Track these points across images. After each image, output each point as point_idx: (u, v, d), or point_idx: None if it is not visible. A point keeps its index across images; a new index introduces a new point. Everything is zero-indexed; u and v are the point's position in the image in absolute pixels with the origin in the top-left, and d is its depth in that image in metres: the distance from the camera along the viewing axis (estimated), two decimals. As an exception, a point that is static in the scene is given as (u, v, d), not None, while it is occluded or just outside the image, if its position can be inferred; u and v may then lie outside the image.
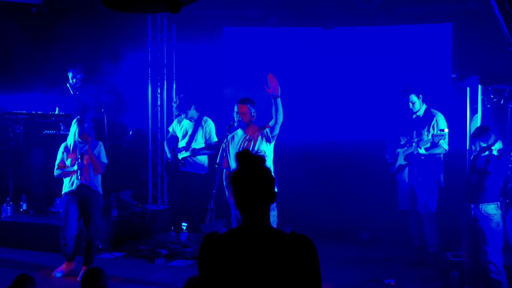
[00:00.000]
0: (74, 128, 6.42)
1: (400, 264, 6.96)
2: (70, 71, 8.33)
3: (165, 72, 9.26)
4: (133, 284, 6.35)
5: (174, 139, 8.01)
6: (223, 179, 6.28)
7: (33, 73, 8.95)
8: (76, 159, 6.38)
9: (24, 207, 8.14)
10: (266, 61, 8.32)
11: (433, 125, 6.75)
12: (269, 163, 6.04)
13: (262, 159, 2.59)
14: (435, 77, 8.06)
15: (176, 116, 8.01)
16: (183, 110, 7.74)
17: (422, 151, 6.71)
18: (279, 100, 5.84)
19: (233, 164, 6.18)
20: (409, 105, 6.86)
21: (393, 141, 7.12)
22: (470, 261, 5.63)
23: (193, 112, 7.78)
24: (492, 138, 5.47)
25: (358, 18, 8.26)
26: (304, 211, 8.02)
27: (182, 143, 7.85)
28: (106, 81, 8.59)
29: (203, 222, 6.26)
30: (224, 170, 6.27)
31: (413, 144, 6.77)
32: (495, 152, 5.45)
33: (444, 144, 6.69)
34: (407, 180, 6.96)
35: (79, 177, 6.38)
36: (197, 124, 7.81)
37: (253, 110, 6.19)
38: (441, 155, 6.86)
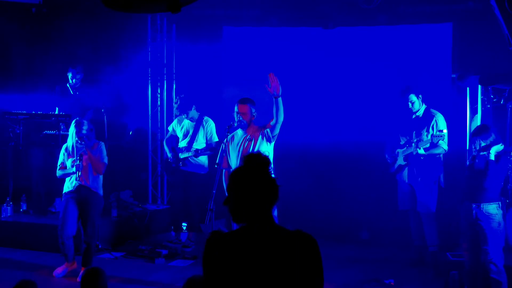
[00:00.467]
0: (72, 130, 6.42)
1: (400, 264, 6.96)
2: (70, 71, 8.33)
3: (165, 72, 9.26)
4: (133, 284, 6.35)
5: (174, 138, 8.01)
6: (223, 179, 6.29)
7: (33, 73, 8.96)
8: (76, 159, 6.38)
9: (24, 207, 8.14)
10: (266, 61, 8.32)
11: (433, 125, 6.75)
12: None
13: (268, 160, 2.60)
14: (435, 77, 8.06)
15: (177, 116, 8.01)
16: (184, 110, 7.75)
17: (421, 151, 6.70)
18: (280, 99, 5.85)
19: (233, 164, 6.18)
20: (408, 105, 6.86)
21: (392, 141, 7.12)
22: (471, 261, 5.63)
23: (194, 112, 7.79)
24: (492, 136, 5.47)
25: (358, 18, 8.26)
26: (304, 211, 8.02)
27: (183, 143, 7.85)
28: (106, 81, 8.58)
29: (203, 222, 6.26)
30: (224, 170, 6.27)
31: (413, 144, 6.77)
32: (492, 157, 5.42)
33: (443, 145, 6.69)
34: (406, 180, 6.96)
35: (78, 178, 6.39)
36: (198, 124, 7.81)
37: (253, 110, 6.19)
38: (441, 155, 6.86)
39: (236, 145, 6.19)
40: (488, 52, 7.12)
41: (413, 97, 6.82)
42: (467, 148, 6.91)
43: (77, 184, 6.42)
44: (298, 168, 8.06)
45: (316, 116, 8.38)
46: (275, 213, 6.02)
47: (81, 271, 6.24)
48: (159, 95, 9.27)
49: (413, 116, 6.89)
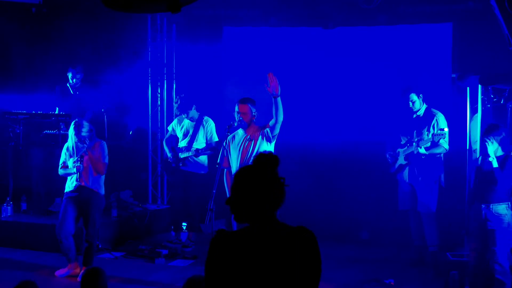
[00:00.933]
0: (71, 132, 6.42)
1: (400, 264, 6.96)
2: (70, 71, 8.32)
3: (165, 72, 9.26)
4: (133, 284, 6.34)
5: (174, 138, 8.01)
6: (224, 178, 6.29)
7: (33, 73, 8.96)
8: (76, 161, 6.38)
9: (24, 207, 8.14)
10: (266, 61, 8.31)
11: (433, 124, 6.75)
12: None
13: (278, 160, 2.60)
14: (435, 77, 8.05)
15: (177, 116, 8.01)
16: (184, 110, 7.75)
17: (422, 150, 6.71)
18: (279, 99, 5.86)
19: (234, 164, 6.19)
20: (409, 104, 6.86)
21: (393, 140, 7.12)
22: (476, 261, 5.63)
23: (194, 112, 7.79)
24: (503, 135, 5.46)
25: (358, 18, 8.26)
26: (304, 211, 8.00)
27: (183, 143, 7.85)
28: (106, 81, 8.58)
29: (203, 222, 6.26)
30: (225, 170, 6.27)
31: (414, 143, 6.77)
32: (494, 163, 5.41)
33: (444, 144, 6.70)
34: (407, 180, 6.96)
35: (78, 179, 6.40)
36: (198, 124, 7.81)
37: (253, 110, 6.19)
38: (442, 155, 6.86)
39: (236, 145, 6.20)
40: (488, 52, 7.12)
41: (414, 97, 6.83)
42: (467, 148, 6.90)
43: (77, 184, 6.43)
44: (298, 168, 8.04)
45: (316, 116, 8.37)
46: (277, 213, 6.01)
47: (82, 271, 6.24)
48: (159, 95, 9.27)
49: (414, 116, 6.90)
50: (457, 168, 7.21)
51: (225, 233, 2.57)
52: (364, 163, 7.96)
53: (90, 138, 6.42)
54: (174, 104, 8.09)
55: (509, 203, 5.49)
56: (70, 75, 8.33)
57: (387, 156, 7.18)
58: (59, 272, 6.53)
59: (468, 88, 6.93)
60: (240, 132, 6.27)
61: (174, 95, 9.12)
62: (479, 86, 6.53)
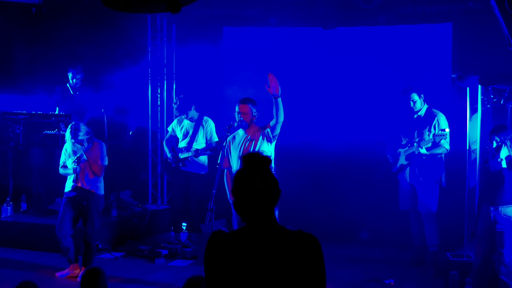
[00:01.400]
0: (68, 135, 6.42)
1: (400, 264, 6.96)
2: (70, 72, 8.32)
3: (165, 72, 9.26)
4: (133, 284, 6.35)
5: (174, 139, 8.00)
6: (224, 179, 6.28)
7: (33, 73, 8.95)
8: (73, 162, 6.39)
9: (24, 207, 8.15)
10: (266, 61, 8.31)
11: (435, 125, 6.76)
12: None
13: (269, 160, 2.60)
14: (435, 77, 8.05)
15: (176, 117, 8.01)
16: (183, 111, 7.75)
17: (423, 151, 6.71)
18: (279, 99, 5.86)
19: (234, 164, 6.19)
20: (410, 104, 6.86)
21: (394, 141, 7.12)
22: (481, 262, 5.62)
23: (193, 112, 7.78)
24: (510, 136, 5.45)
25: (358, 18, 8.25)
26: (305, 211, 8.01)
27: (183, 144, 7.84)
28: (106, 81, 8.58)
29: (203, 222, 6.26)
30: (226, 170, 6.27)
31: (415, 144, 6.77)
32: (504, 164, 5.40)
33: (445, 144, 6.70)
34: (408, 180, 6.96)
35: (75, 179, 6.42)
36: (198, 124, 7.81)
37: (254, 110, 6.19)
38: (443, 155, 6.87)
39: (237, 145, 6.20)
40: (488, 52, 7.11)
41: (415, 96, 6.83)
42: (467, 148, 6.90)
43: (74, 185, 6.45)
44: (298, 168, 8.06)
45: (316, 116, 8.37)
46: (276, 213, 6.00)
47: (81, 271, 6.24)
48: (159, 95, 9.27)
49: (415, 116, 6.90)
50: (457, 168, 7.21)
51: (220, 234, 2.58)
52: (364, 163, 7.96)
53: (88, 140, 6.42)
54: (173, 104, 8.08)
55: None
56: (70, 75, 8.33)
57: (388, 156, 7.18)
58: (60, 273, 6.53)
59: (468, 88, 6.93)
60: (240, 132, 6.27)
61: (174, 95, 9.12)
62: (479, 86, 6.53)
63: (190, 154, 7.74)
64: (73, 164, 6.38)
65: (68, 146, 6.52)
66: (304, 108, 8.28)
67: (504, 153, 5.42)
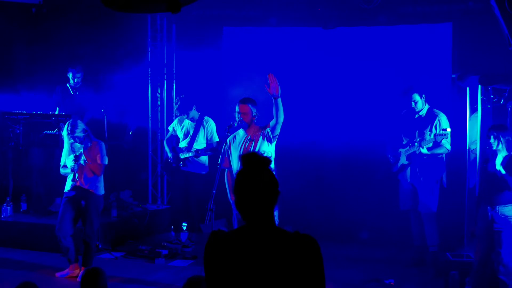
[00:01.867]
0: (64, 132, 6.42)
1: (400, 264, 6.96)
2: (70, 71, 8.32)
3: (165, 72, 9.26)
4: (133, 284, 6.34)
5: (174, 138, 8.01)
6: (225, 179, 6.28)
7: (33, 73, 8.95)
8: (72, 160, 6.39)
9: (24, 207, 8.15)
10: (266, 61, 8.31)
11: (436, 125, 6.76)
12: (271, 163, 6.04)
13: (268, 160, 2.60)
14: (435, 77, 8.05)
15: (177, 116, 8.01)
16: (184, 111, 7.75)
17: (424, 150, 6.71)
18: (279, 100, 5.85)
19: (234, 164, 6.18)
20: (411, 104, 6.86)
21: (394, 140, 7.12)
22: (480, 262, 5.63)
23: (194, 113, 7.79)
24: (508, 137, 5.46)
25: (358, 18, 8.26)
26: (305, 211, 8.02)
27: (183, 143, 7.84)
28: (106, 81, 8.59)
29: (203, 222, 6.26)
30: (226, 170, 6.27)
31: (416, 143, 6.77)
32: (498, 166, 5.41)
33: (446, 144, 6.70)
34: (409, 179, 6.96)
35: (74, 179, 6.41)
36: (199, 124, 7.81)
37: (254, 110, 6.18)
38: (444, 155, 6.87)
39: (237, 145, 6.19)
40: (488, 52, 7.12)
41: (416, 97, 6.83)
42: (467, 148, 6.90)
43: (73, 184, 6.44)
44: (299, 168, 8.06)
45: (316, 116, 8.37)
46: (276, 213, 6.01)
47: (81, 271, 6.24)
48: (159, 95, 9.27)
49: (416, 116, 6.91)
50: (457, 168, 7.21)
51: (219, 234, 2.58)
52: (364, 163, 7.96)
53: (85, 138, 6.41)
54: (174, 105, 8.08)
55: None
56: (70, 75, 8.32)
57: (389, 156, 7.18)
58: (60, 273, 6.53)
59: (468, 88, 6.93)
60: (240, 132, 6.27)
61: (174, 95, 9.13)
62: (479, 86, 6.53)
63: (190, 154, 7.74)
64: (72, 162, 6.37)
65: (65, 144, 6.51)
66: (304, 108, 8.28)
67: (499, 158, 5.43)
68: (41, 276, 6.47)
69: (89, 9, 8.43)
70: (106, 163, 6.52)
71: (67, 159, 6.50)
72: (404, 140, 7.00)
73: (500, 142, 5.46)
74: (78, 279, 6.16)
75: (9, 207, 7.90)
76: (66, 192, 6.51)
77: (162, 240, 7.97)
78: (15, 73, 9.01)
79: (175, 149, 7.90)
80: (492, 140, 5.49)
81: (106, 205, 7.31)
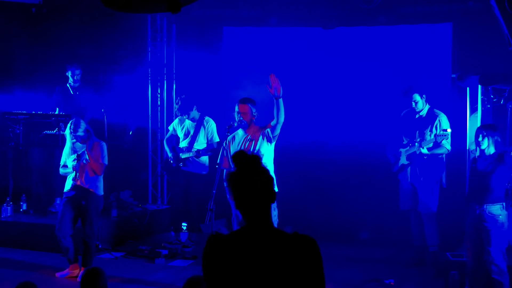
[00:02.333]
0: (67, 131, 6.43)
1: (400, 264, 6.96)
2: (68, 70, 8.32)
3: (165, 72, 9.26)
4: (133, 284, 6.35)
5: (174, 138, 8.00)
6: (224, 179, 6.28)
7: (33, 73, 8.96)
8: (74, 160, 6.39)
9: (24, 207, 8.14)
10: (266, 61, 8.31)
11: (436, 125, 6.76)
12: (270, 163, 6.05)
13: (258, 158, 2.60)
14: (435, 77, 8.05)
15: (177, 116, 8.01)
16: (185, 111, 7.75)
17: (424, 151, 6.71)
18: (281, 100, 5.85)
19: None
20: (411, 104, 6.86)
21: (394, 140, 7.12)
22: (473, 261, 5.64)
23: (195, 113, 7.79)
24: (496, 137, 5.49)
25: (358, 18, 8.26)
26: (304, 211, 8.01)
27: (184, 143, 7.84)
28: (106, 81, 8.59)
29: (203, 222, 6.26)
30: (225, 170, 6.26)
31: (416, 144, 6.77)
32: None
33: (447, 144, 6.71)
34: (409, 179, 6.96)
35: (75, 178, 6.42)
36: (199, 124, 7.81)
37: (254, 110, 6.18)
38: (444, 155, 6.87)
39: (237, 145, 6.19)
40: (488, 52, 7.12)
41: (417, 97, 6.83)
42: (467, 148, 6.91)
43: (73, 184, 6.44)
44: (299, 168, 8.06)
45: (316, 116, 8.37)
46: (276, 213, 6.01)
47: (81, 271, 6.24)
48: (159, 95, 9.27)
49: (416, 116, 6.91)
50: (457, 168, 7.21)
51: (217, 236, 2.58)
52: (364, 163, 7.96)
53: (87, 138, 6.41)
54: (174, 105, 8.08)
55: (504, 203, 5.51)
56: (69, 73, 8.32)
57: (389, 156, 7.18)
58: (60, 273, 6.54)
59: (468, 88, 6.93)
60: (240, 132, 6.26)
61: (174, 95, 9.13)
62: (479, 86, 6.53)
63: (191, 154, 7.74)
64: (73, 162, 6.38)
65: (68, 143, 6.51)
66: (304, 108, 8.28)
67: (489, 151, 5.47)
68: (41, 276, 6.47)
69: (89, 9, 8.43)
70: (107, 163, 6.53)
71: (67, 159, 6.51)
72: (404, 140, 7.01)
73: (488, 142, 5.49)
74: (78, 279, 6.16)
75: (9, 207, 7.90)
76: (66, 192, 6.51)
77: (162, 240, 7.97)
78: (15, 73, 9.01)
79: (175, 149, 7.90)
80: (480, 139, 5.52)
81: (106, 205, 7.31)
